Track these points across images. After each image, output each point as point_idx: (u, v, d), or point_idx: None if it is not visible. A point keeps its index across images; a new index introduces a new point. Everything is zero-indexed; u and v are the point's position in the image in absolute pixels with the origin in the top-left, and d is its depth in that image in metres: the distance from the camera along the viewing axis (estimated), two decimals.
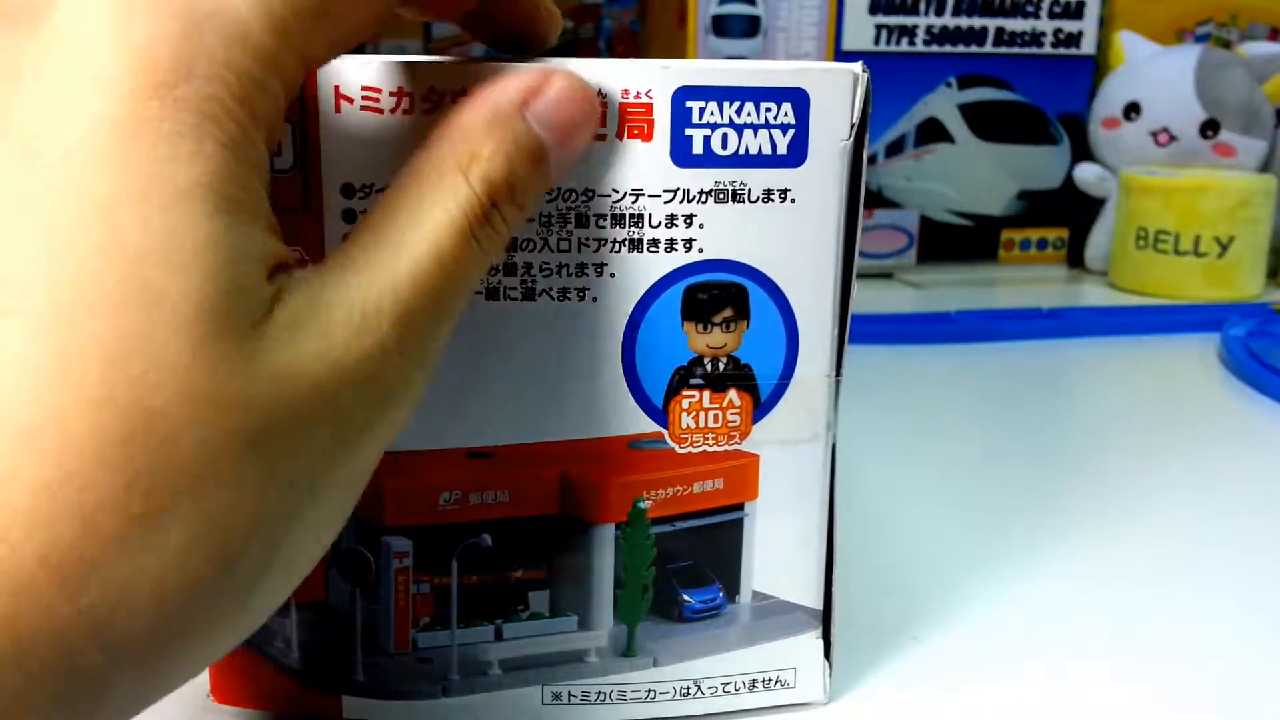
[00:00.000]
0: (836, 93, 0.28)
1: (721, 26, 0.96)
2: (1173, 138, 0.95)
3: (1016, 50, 0.96)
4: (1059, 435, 0.60)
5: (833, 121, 0.28)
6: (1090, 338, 0.80)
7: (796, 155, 0.28)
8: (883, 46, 0.95)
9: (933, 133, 0.97)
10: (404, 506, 0.29)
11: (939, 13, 0.94)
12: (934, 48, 0.95)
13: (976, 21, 0.95)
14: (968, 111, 0.97)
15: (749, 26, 0.96)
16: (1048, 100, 0.98)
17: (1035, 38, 0.96)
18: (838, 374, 0.30)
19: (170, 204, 0.18)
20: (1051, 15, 0.96)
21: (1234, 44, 1.04)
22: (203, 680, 0.31)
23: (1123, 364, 0.75)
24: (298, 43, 0.20)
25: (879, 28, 0.94)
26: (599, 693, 0.31)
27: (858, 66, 0.28)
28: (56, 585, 0.16)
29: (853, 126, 0.28)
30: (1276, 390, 0.65)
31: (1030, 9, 0.95)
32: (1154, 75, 0.96)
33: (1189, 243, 0.89)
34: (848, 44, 0.94)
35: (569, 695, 0.31)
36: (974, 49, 0.96)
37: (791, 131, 0.28)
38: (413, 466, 0.29)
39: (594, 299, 0.28)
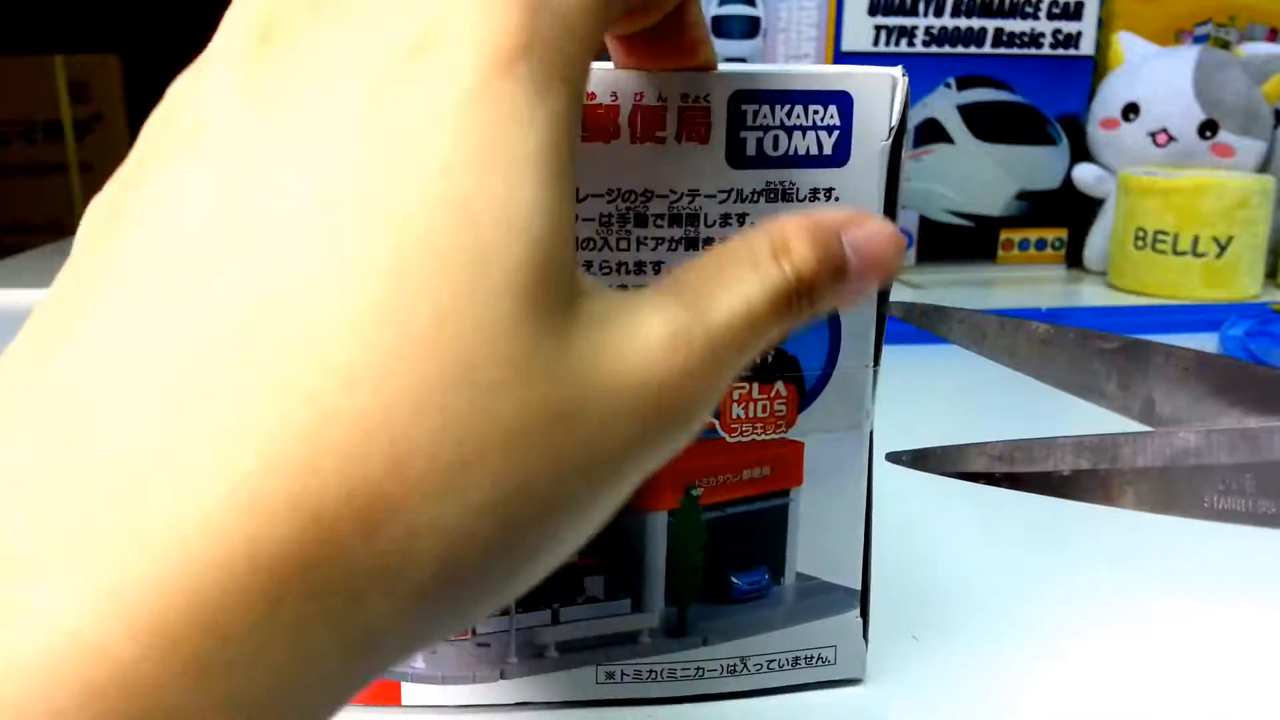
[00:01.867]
0: (877, 95, 0.30)
1: (721, 27, 0.98)
2: (1171, 138, 0.97)
3: (1015, 51, 0.99)
4: (1057, 435, 0.61)
5: (874, 123, 0.30)
6: None
7: (841, 155, 0.30)
8: (882, 47, 0.97)
9: (932, 133, 1.00)
10: None
11: (938, 14, 0.97)
12: (933, 49, 0.98)
13: (975, 23, 0.98)
14: (967, 112, 1.00)
15: (749, 27, 0.99)
16: (1046, 101, 1.01)
17: (1034, 39, 0.99)
18: (875, 364, 0.32)
19: (508, 170, 0.18)
20: (1050, 16, 0.99)
21: (1232, 45, 1.06)
22: None
23: None
24: (600, 25, 0.21)
25: (878, 29, 0.96)
26: (650, 671, 0.33)
27: (897, 70, 0.30)
28: (356, 523, 0.17)
29: (892, 129, 0.30)
30: None
31: (1029, 10, 0.98)
32: (1152, 76, 0.99)
33: (1187, 243, 0.91)
34: (847, 45, 0.96)
35: (621, 674, 0.33)
36: (973, 50, 0.98)
37: (836, 133, 0.30)
38: None
39: None
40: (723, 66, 0.29)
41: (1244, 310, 0.82)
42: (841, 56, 0.96)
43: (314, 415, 0.16)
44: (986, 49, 0.99)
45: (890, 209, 0.31)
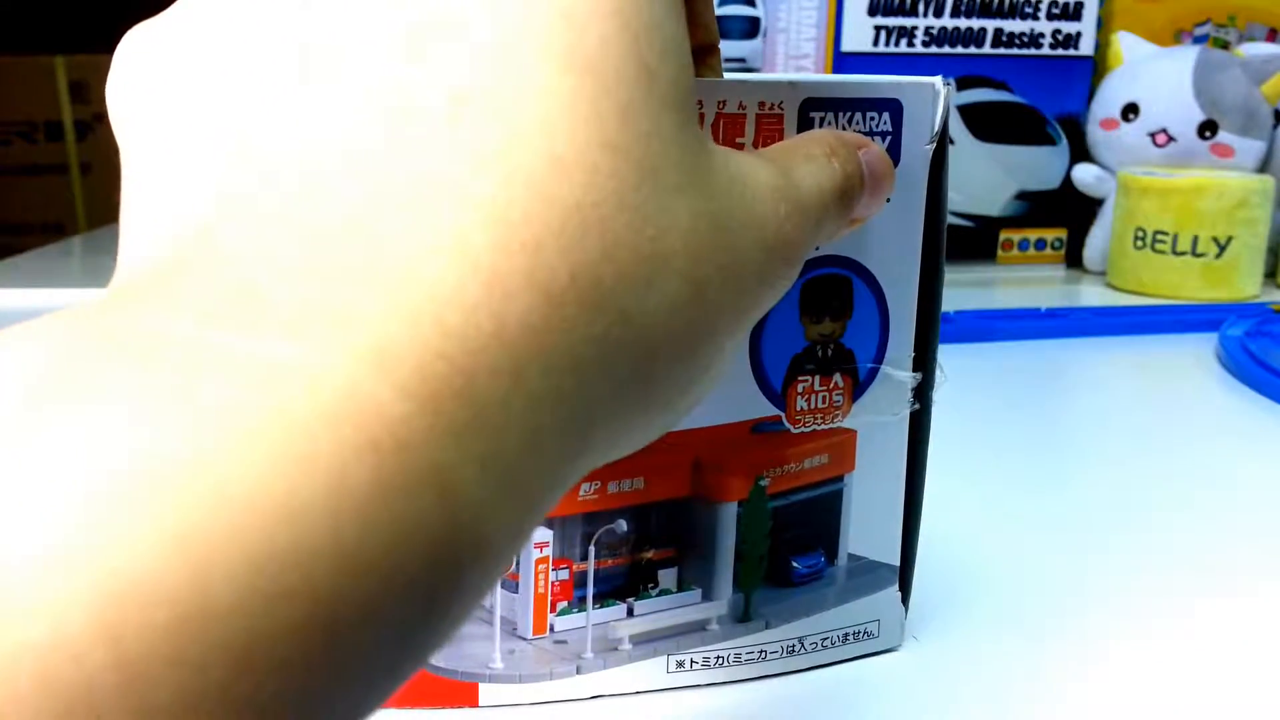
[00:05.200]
0: (923, 103, 0.33)
1: (721, 27, 1.00)
2: (1171, 138, 1.00)
3: (1015, 51, 1.02)
4: (1057, 435, 0.64)
5: (920, 128, 0.33)
6: (1088, 338, 0.84)
7: (891, 159, 0.33)
8: (882, 48, 1.00)
9: None
10: None
11: (938, 14, 1.00)
12: (933, 49, 1.01)
13: (975, 23, 1.00)
14: (966, 113, 1.02)
15: (749, 27, 1.01)
16: (1046, 101, 1.04)
17: (1034, 39, 1.02)
18: (932, 358, 0.36)
19: None
20: (1050, 16, 1.01)
21: (1232, 45, 1.09)
22: None
23: (1121, 364, 0.79)
24: None
25: (878, 29, 0.99)
26: (718, 658, 0.36)
27: (939, 80, 0.33)
28: (580, 305, 0.18)
29: (934, 134, 0.33)
30: (1274, 390, 0.69)
31: (1028, 10, 1.01)
32: (1152, 76, 1.01)
33: (1187, 243, 0.94)
34: (847, 45, 0.99)
35: (690, 662, 0.36)
36: (972, 50, 1.01)
37: (889, 138, 0.33)
38: None
39: None
40: (795, 77, 0.32)
41: (1244, 310, 0.85)
42: (841, 57, 0.99)
43: (535, 198, 0.18)
44: (986, 49, 1.01)
45: (933, 208, 0.34)
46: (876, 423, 0.35)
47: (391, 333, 0.16)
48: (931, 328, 0.35)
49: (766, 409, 0.34)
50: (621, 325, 0.19)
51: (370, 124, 0.18)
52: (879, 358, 0.35)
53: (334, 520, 0.14)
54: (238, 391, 0.15)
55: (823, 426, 0.35)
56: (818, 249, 0.33)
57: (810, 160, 0.26)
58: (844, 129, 0.32)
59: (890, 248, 0.34)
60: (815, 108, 0.32)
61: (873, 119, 0.33)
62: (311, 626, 0.14)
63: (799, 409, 0.34)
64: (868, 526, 0.36)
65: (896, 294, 0.34)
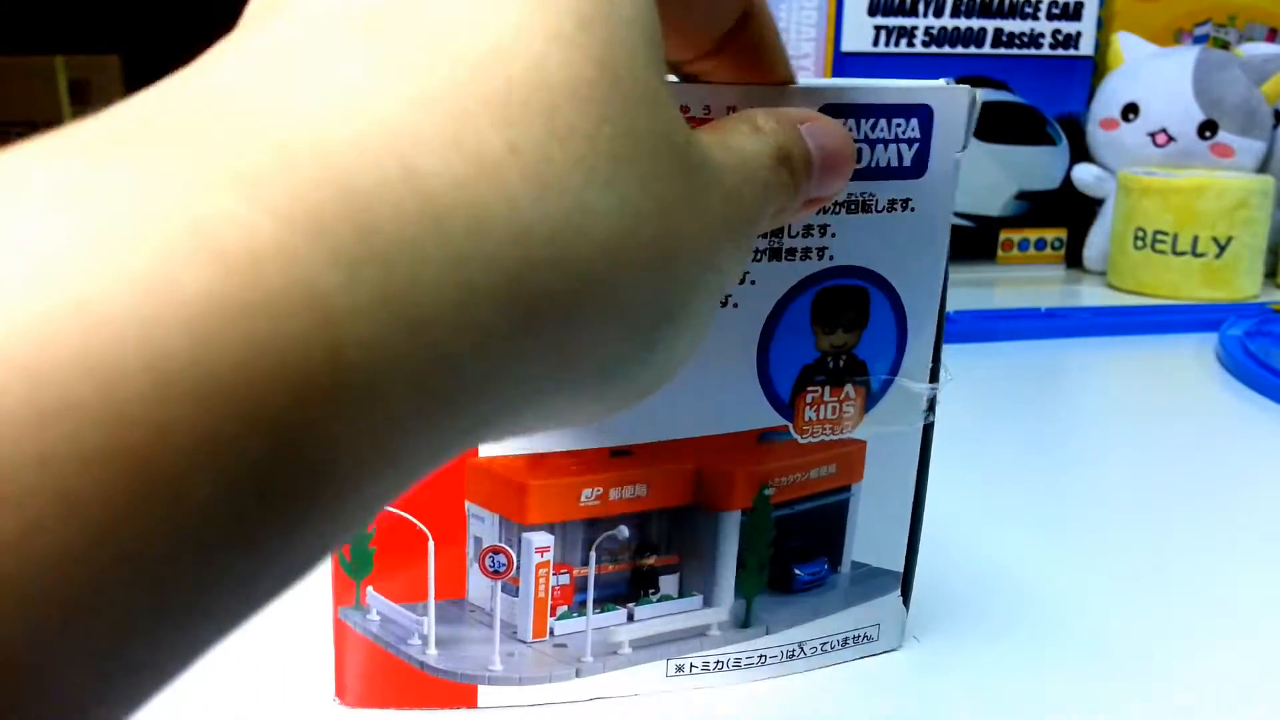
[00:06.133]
0: (955, 109, 0.32)
1: None
2: (1171, 138, 1.00)
3: (1015, 51, 1.01)
4: (1057, 435, 0.64)
5: (950, 135, 0.32)
6: (1088, 338, 0.84)
7: (919, 167, 0.32)
8: (882, 48, 0.99)
9: None
10: (547, 504, 0.33)
11: (938, 14, 0.99)
12: (933, 49, 1.00)
13: (975, 23, 1.00)
14: None
15: None
16: (1046, 101, 1.04)
17: (1034, 39, 1.01)
18: (936, 371, 0.35)
19: None
20: (1050, 16, 1.01)
21: (1232, 45, 1.09)
22: (326, 682, 0.35)
23: (1121, 364, 0.79)
24: None
25: (878, 29, 0.99)
26: (717, 662, 0.35)
27: (967, 87, 0.32)
28: (522, 177, 0.17)
29: (966, 143, 0.33)
30: (1273, 390, 0.69)
31: (1029, 10, 1.00)
32: (1152, 76, 1.01)
33: (1187, 243, 0.94)
34: (847, 45, 0.99)
35: (690, 666, 0.35)
36: (973, 50, 1.01)
37: (916, 145, 0.32)
38: (556, 466, 0.33)
39: (735, 305, 0.32)
40: (811, 80, 0.31)
41: (1243, 310, 0.85)
42: (841, 57, 0.99)
43: (474, 77, 0.17)
44: (986, 49, 1.01)
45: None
46: (889, 433, 0.35)
47: (261, 162, 0.14)
48: (937, 333, 0.35)
49: (773, 418, 0.33)
50: (581, 212, 0.18)
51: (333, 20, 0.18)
52: (894, 369, 0.34)
53: (147, 332, 0.12)
54: (93, 210, 0.13)
55: (832, 437, 0.34)
56: (829, 256, 0.32)
57: (736, 133, 0.25)
58: (867, 134, 0.31)
59: (913, 258, 0.33)
60: (835, 114, 0.31)
61: (899, 125, 0.32)
62: (119, 457, 0.12)
63: (807, 419, 0.34)
64: (873, 535, 0.36)
65: (917, 306, 0.34)
